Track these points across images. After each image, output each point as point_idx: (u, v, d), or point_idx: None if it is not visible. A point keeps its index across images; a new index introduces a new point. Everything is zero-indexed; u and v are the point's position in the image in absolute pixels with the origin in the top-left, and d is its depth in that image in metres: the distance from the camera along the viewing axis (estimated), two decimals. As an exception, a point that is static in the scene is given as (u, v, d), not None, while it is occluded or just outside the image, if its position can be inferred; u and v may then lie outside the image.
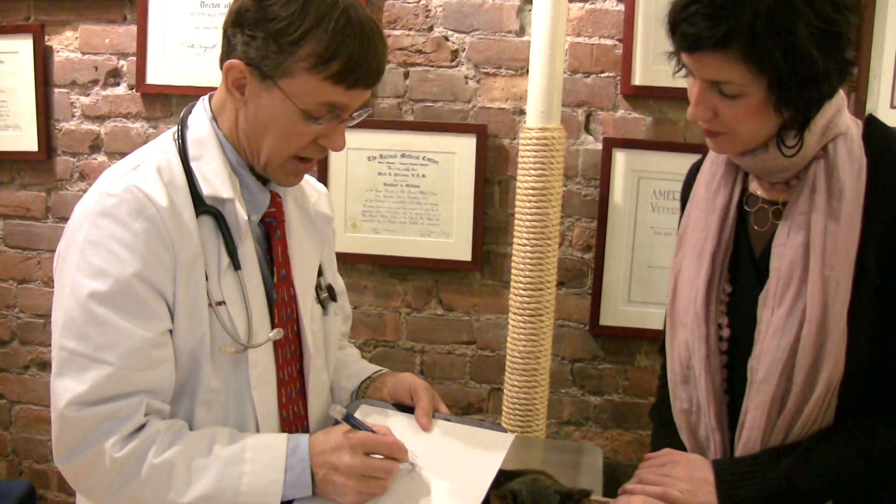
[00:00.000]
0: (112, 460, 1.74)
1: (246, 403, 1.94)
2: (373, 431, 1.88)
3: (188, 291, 1.84)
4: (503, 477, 1.97)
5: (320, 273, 2.22)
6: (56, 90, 3.95)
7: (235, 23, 1.86)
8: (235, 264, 1.91)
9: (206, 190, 1.89)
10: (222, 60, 1.91)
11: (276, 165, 1.93)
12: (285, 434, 1.90)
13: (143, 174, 1.85)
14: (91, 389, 1.74)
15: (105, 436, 1.75)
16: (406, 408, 2.11)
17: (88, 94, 3.91)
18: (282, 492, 1.81)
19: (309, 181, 2.26)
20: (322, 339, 2.18)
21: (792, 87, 1.78)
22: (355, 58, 1.81)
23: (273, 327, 1.99)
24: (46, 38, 3.91)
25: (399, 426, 1.98)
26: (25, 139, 3.96)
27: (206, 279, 1.86)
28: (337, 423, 1.94)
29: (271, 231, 2.03)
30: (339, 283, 2.33)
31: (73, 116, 3.95)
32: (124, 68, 3.87)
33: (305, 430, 2.09)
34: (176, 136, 1.96)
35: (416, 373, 3.79)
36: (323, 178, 3.73)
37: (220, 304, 1.88)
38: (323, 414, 2.15)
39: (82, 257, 1.79)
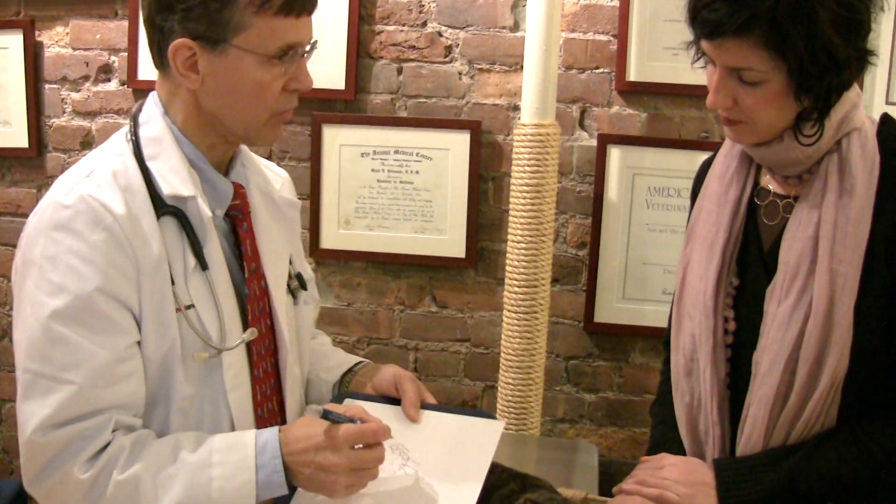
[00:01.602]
0: (78, 482, 1.69)
1: (221, 407, 1.88)
2: (353, 421, 1.81)
3: (154, 299, 1.77)
4: (506, 474, 1.96)
5: (290, 262, 2.16)
6: (47, 86, 3.93)
7: (162, 6, 1.79)
8: (202, 264, 1.85)
9: (166, 190, 1.82)
10: (160, 52, 1.84)
11: (258, 127, 1.88)
12: (252, 431, 1.82)
13: (97, 181, 1.78)
14: (57, 411, 1.69)
15: (72, 457, 1.70)
16: (392, 400, 2.08)
17: (79, 90, 3.89)
18: (255, 493, 1.74)
19: (270, 166, 2.21)
20: (294, 330, 2.12)
21: (813, 73, 1.78)
22: None
23: (246, 324, 1.94)
24: (37, 33, 3.88)
25: (387, 420, 1.92)
26: (16, 135, 3.93)
27: (173, 283, 1.80)
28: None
29: (237, 224, 1.98)
30: (307, 271, 2.25)
31: (64, 112, 3.92)
32: (115, 64, 3.85)
33: (282, 424, 2.00)
34: (129, 137, 1.88)
35: (410, 370, 3.78)
36: (316, 174, 3.72)
37: (188, 307, 1.82)
38: (299, 408, 2.12)
39: (41, 274, 1.73)
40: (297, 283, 2.16)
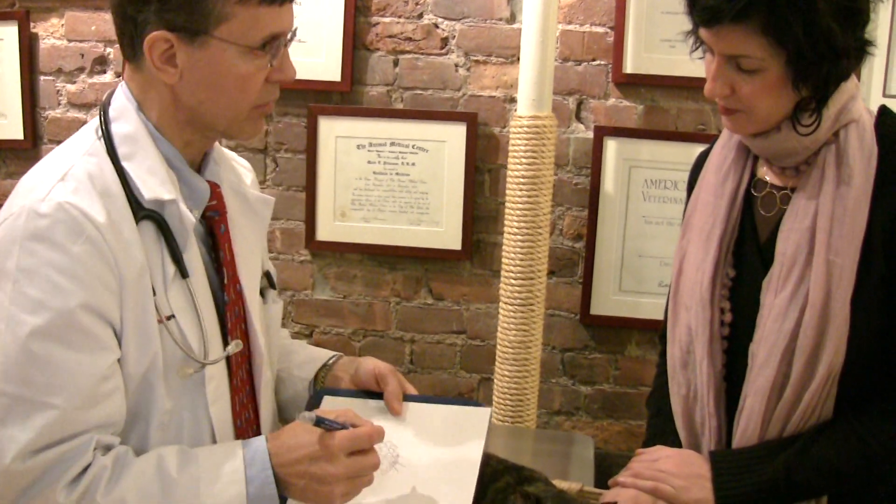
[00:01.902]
0: None
1: (202, 420, 1.81)
2: (344, 427, 1.74)
3: (136, 312, 1.68)
4: (501, 466, 1.96)
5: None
6: (42, 78, 3.91)
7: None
8: (182, 272, 1.75)
9: (146, 193, 1.71)
10: (132, 44, 1.74)
11: (241, 120, 1.80)
12: (238, 442, 1.74)
13: (73, 186, 1.66)
14: (38, 436, 1.57)
15: (53, 482, 1.59)
16: (372, 394, 2.04)
17: (75, 82, 3.88)
18: None
19: (236, 159, 2.12)
20: (266, 332, 2.03)
21: (811, 61, 1.77)
22: None
23: (225, 333, 1.87)
24: (32, 25, 3.87)
25: (371, 415, 1.90)
26: (11, 127, 3.92)
27: (154, 293, 1.70)
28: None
29: (215, 226, 1.89)
30: (271, 267, 2.17)
31: (60, 104, 3.91)
32: (111, 56, 3.83)
33: (256, 432, 1.96)
34: (100, 133, 1.77)
35: (406, 363, 3.78)
36: (311, 166, 3.72)
37: (169, 318, 1.72)
38: (272, 413, 2.05)
39: (17, 289, 1.59)
40: (265, 283, 2.09)
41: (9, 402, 1.58)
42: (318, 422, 1.72)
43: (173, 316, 1.73)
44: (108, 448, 1.67)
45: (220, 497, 1.66)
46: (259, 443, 1.73)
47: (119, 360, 1.68)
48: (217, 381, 1.83)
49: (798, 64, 1.78)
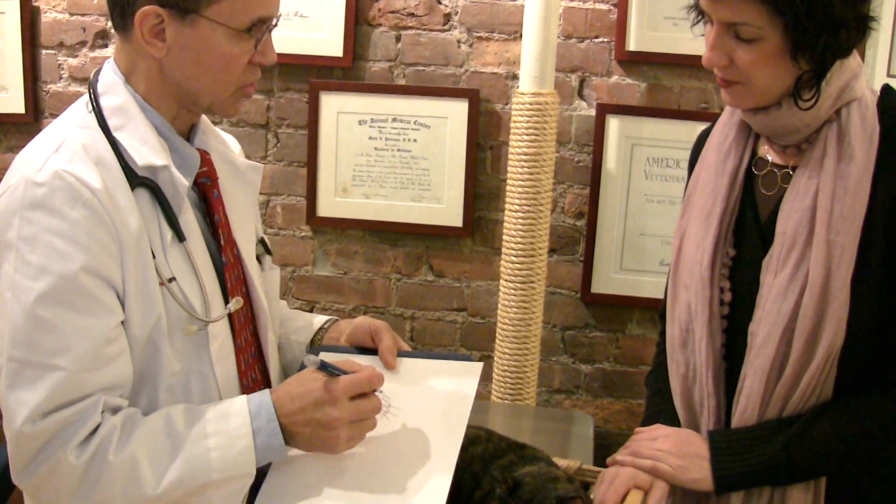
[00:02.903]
0: (72, 467, 1.63)
1: (209, 380, 1.84)
2: (346, 373, 1.79)
3: (137, 274, 1.72)
4: (504, 443, 1.96)
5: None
6: (43, 51, 3.90)
7: None
8: (179, 236, 1.79)
9: (138, 160, 1.75)
10: (123, 16, 1.77)
11: (223, 99, 1.84)
12: (243, 397, 1.78)
13: (67, 155, 1.71)
14: (47, 399, 1.62)
15: (63, 443, 1.63)
16: (367, 351, 2.06)
17: (76, 56, 3.87)
18: (255, 458, 1.71)
19: (223, 133, 2.14)
20: (265, 295, 2.08)
21: (809, 31, 1.76)
22: None
23: (226, 294, 1.90)
24: (33, -2, 3.86)
25: (357, 362, 1.91)
26: (12, 101, 3.92)
27: (154, 257, 1.75)
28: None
29: (207, 191, 1.93)
30: (264, 234, 2.20)
31: (61, 78, 3.90)
32: (112, 30, 3.81)
33: None
34: (90, 107, 1.81)
35: (406, 339, 3.78)
36: (313, 141, 3.72)
37: (170, 280, 1.76)
38: (278, 375, 2.08)
39: (19, 257, 1.65)
40: (261, 249, 2.13)
41: (18, 367, 1.64)
42: (322, 366, 1.77)
43: (174, 278, 1.77)
44: (116, 410, 1.71)
45: (229, 450, 1.70)
46: (262, 395, 1.77)
47: (124, 323, 1.72)
48: (221, 340, 1.86)
49: (796, 33, 1.77)
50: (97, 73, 1.86)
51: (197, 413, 1.74)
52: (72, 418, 1.64)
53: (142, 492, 1.65)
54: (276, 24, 1.85)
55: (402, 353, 2.05)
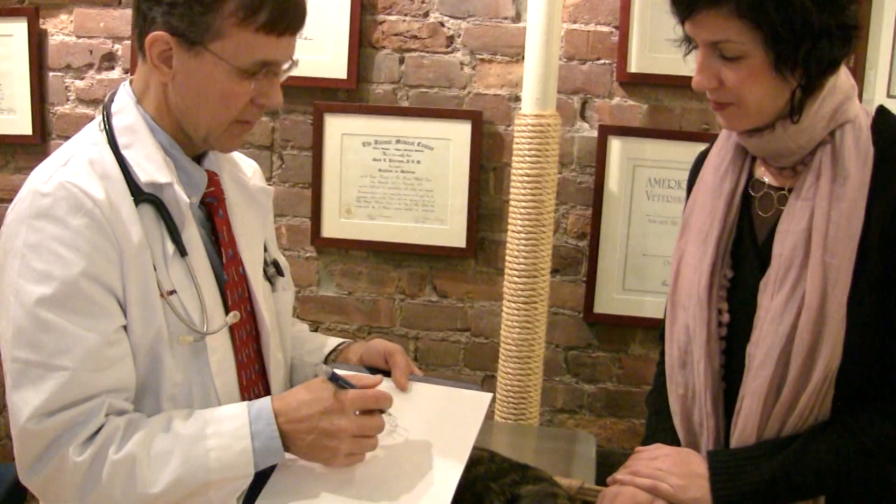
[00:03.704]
0: (74, 465, 1.69)
1: (210, 393, 1.88)
2: (355, 387, 1.84)
3: (138, 283, 1.77)
4: (507, 464, 1.98)
5: (265, 249, 2.16)
6: (51, 74, 3.93)
7: None
8: (181, 251, 1.85)
9: (142, 177, 1.81)
10: (140, 38, 1.84)
11: (218, 133, 1.88)
12: (245, 402, 1.83)
13: (74, 169, 1.78)
14: (51, 398, 1.68)
15: (67, 442, 1.69)
16: (379, 372, 2.08)
17: (83, 78, 3.90)
18: (253, 461, 1.75)
19: (240, 157, 2.21)
20: (274, 316, 2.13)
21: (789, 42, 1.77)
22: (281, 3, 1.77)
23: (227, 310, 1.94)
24: (41, 21, 3.89)
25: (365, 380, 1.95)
26: (20, 123, 3.95)
27: (155, 269, 1.80)
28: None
29: (213, 211, 1.98)
30: (282, 259, 2.26)
31: (68, 100, 3.93)
32: (119, 52, 3.86)
33: None
34: (102, 126, 1.88)
35: (410, 360, 3.80)
36: (317, 163, 3.74)
37: (171, 293, 1.81)
38: (283, 391, 2.09)
39: (24, 263, 1.72)
40: (273, 270, 2.17)
41: (21, 368, 1.71)
42: (333, 377, 1.82)
43: (174, 291, 1.82)
44: (121, 413, 1.76)
45: (227, 451, 1.74)
46: (263, 401, 1.82)
47: (126, 329, 1.78)
48: (221, 353, 1.91)
49: (776, 45, 1.78)
50: (112, 94, 1.92)
51: (197, 415, 1.80)
52: (77, 418, 1.70)
53: (142, 490, 1.70)
54: (287, 70, 1.89)
55: (414, 378, 2.08)
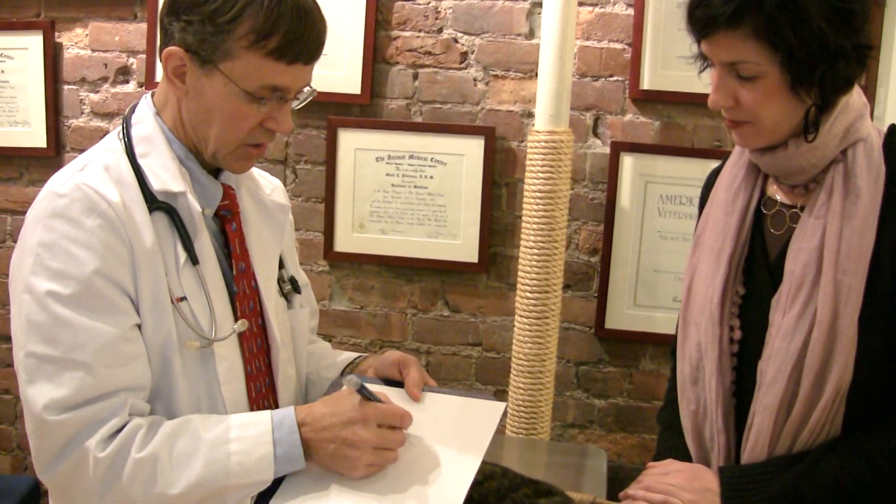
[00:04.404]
0: (96, 461, 1.69)
1: (217, 401, 1.89)
2: (381, 401, 1.86)
3: (150, 286, 1.79)
4: (518, 479, 1.98)
5: (282, 265, 2.18)
6: (65, 87, 3.96)
7: (171, 10, 1.82)
8: (193, 259, 1.86)
9: (156, 185, 1.84)
10: (160, 51, 1.86)
11: (225, 153, 1.90)
12: (267, 410, 1.84)
13: (90, 173, 1.81)
14: (72, 393, 1.69)
15: (89, 437, 1.70)
16: (393, 384, 2.10)
17: (98, 92, 3.92)
18: (273, 467, 1.76)
19: (262, 174, 2.23)
20: (288, 332, 2.14)
21: (805, 63, 1.79)
22: (293, 31, 1.78)
23: (236, 320, 1.95)
24: (56, 34, 3.91)
25: (391, 399, 1.96)
26: (34, 135, 3.97)
27: (166, 276, 1.82)
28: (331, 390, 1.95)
29: (226, 223, 2.00)
30: (301, 276, 2.28)
31: (83, 113, 3.95)
32: (134, 66, 3.88)
33: None
34: (121, 135, 1.91)
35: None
36: (331, 177, 3.75)
37: (181, 299, 1.83)
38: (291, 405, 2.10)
39: (38, 261, 1.74)
40: (290, 287, 2.19)
41: (36, 363, 1.72)
42: (361, 389, 1.84)
43: (185, 298, 1.84)
44: (142, 413, 1.78)
45: (249, 456, 1.76)
46: (287, 410, 1.84)
47: (140, 328, 1.80)
48: (229, 362, 1.92)
49: (793, 66, 1.79)
50: (134, 105, 1.96)
51: (220, 420, 1.81)
52: (98, 415, 1.71)
53: (162, 490, 1.71)
54: (304, 98, 1.92)
55: (427, 388, 2.09)
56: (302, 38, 1.81)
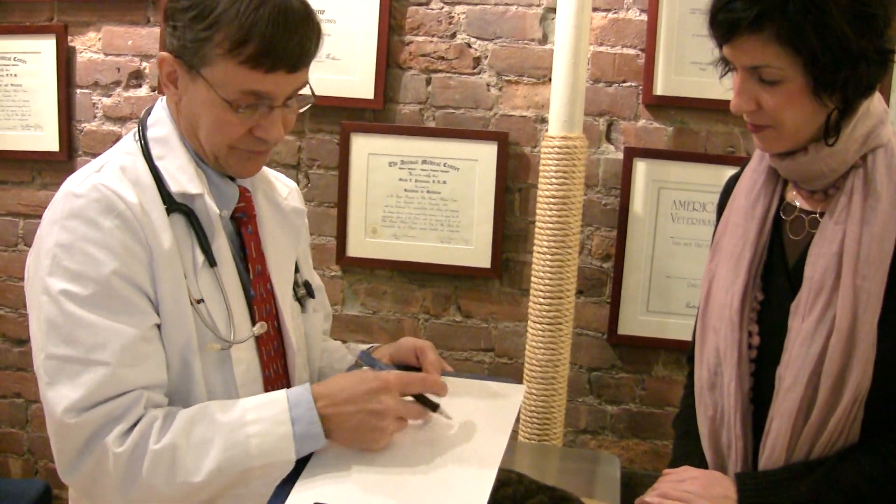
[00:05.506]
0: (115, 457, 1.68)
1: None
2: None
3: (170, 288, 1.79)
4: (534, 486, 1.98)
5: (297, 269, 2.17)
6: (78, 91, 3.96)
7: (167, 17, 1.83)
8: (210, 261, 1.87)
9: (174, 187, 1.84)
10: None
11: (221, 156, 1.89)
12: (283, 390, 1.82)
13: (107, 174, 1.81)
14: (88, 394, 1.69)
15: (107, 434, 1.69)
16: (410, 369, 2.07)
17: (110, 96, 3.92)
18: (294, 446, 1.74)
19: (279, 177, 2.23)
20: (303, 336, 2.14)
21: (827, 67, 1.79)
22: (270, 40, 1.74)
23: (253, 323, 1.95)
24: (69, 38, 3.92)
25: None
26: (47, 139, 3.97)
27: (185, 277, 1.82)
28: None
29: (242, 226, 2.00)
30: (315, 280, 2.27)
31: (95, 117, 3.96)
32: (146, 70, 3.88)
33: None
34: (137, 137, 1.92)
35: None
36: (343, 182, 3.75)
37: (199, 301, 1.83)
38: None
39: (55, 262, 1.73)
40: (304, 291, 2.18)
41: (58, 364, 1.71)
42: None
43: (202, 300, 1.84)
44: (158, 406, 1.77)
45: (268, 437, 1.74)
46: (302, 387, 1.81)
47: (159, 329, 1.80)
48: (246, 364, 1.92)
49: (815, 70, 1.80)
50: (150, 108, 1.96)
51: (236, 403, 1.79)
52: (114, 412, 1.70)
53: (184, 479, 1.70)
54: (291, 104, 1.89)
55: (445, 373, 2.07)
56: (279, 47, 1.76)
